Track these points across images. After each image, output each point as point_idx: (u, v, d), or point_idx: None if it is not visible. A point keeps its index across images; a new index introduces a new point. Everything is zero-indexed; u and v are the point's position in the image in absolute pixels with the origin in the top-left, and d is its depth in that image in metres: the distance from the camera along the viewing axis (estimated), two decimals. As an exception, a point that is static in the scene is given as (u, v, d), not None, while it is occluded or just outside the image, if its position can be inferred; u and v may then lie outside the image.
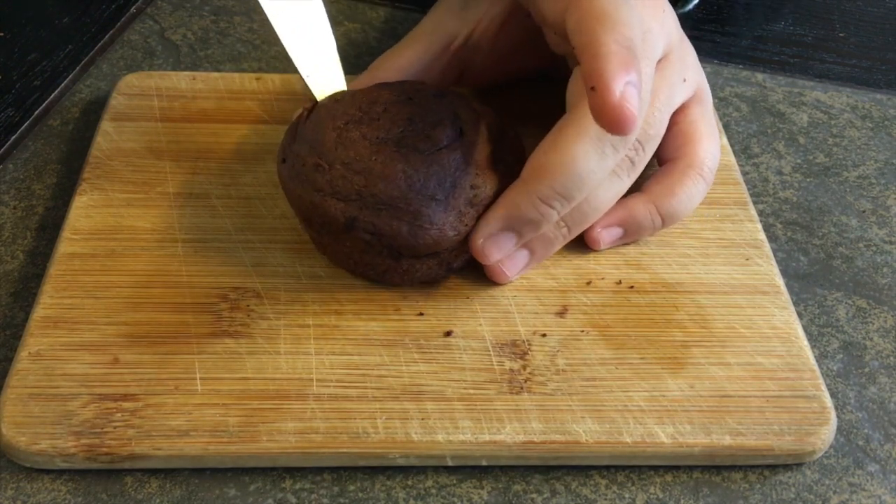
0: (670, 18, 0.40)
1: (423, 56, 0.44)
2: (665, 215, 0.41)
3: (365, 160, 0.37)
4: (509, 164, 0.39)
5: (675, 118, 0.41)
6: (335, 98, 0.40)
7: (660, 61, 0.40)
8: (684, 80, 0.40)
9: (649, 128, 0.39)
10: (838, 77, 0.57)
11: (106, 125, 0.47)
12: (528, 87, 0.49)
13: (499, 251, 0.38)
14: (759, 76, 0.56)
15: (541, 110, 0.42)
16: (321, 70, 0.43)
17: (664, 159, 0.42)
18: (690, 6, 0.55)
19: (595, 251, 0.42)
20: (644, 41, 0.37)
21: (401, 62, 0.44)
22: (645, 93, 0.36)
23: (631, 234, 0.41)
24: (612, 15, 0.35)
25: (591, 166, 0.36)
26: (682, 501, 0.36)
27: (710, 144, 0.41)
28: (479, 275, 0.41)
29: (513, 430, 0.35)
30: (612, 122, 0.33)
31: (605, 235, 0.41)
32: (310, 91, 0.42)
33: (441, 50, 0.44)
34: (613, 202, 0.39)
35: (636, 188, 0.41)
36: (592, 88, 0.33)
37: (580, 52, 0.35)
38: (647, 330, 0.39)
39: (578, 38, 0.35)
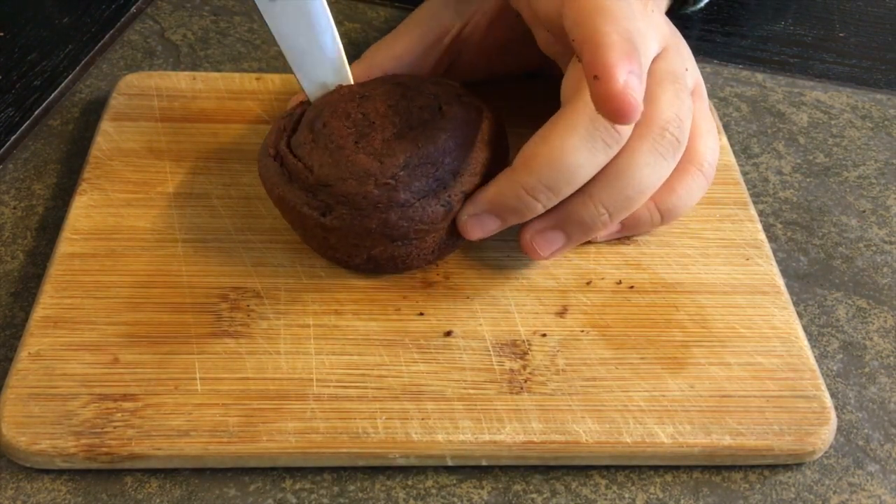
0: (658, 16, 0.41)
1: (417, 46, 0.44)
2: (664, 211, 0.41)
3: (415, 154, 0.38)
4: (480, 108, 0.41)
5: None
6: (311, 139, 0.39)
7: (661, 53, 0.40)
8: (686, 69, 0.40)
9: (682, 104, 0.39)
10: (838, 77, 0.57)
11: (106, 125, 0.47)
12: (522, 87, 0.49)
13: (481, 231, 0.39)
14: (759, 76, 0.56)
15: (536, 110, 0.42)
16: (321, 69, 0.43)
17: None
18: (702, 4, 0.54)
19: (595, 251, 0.42)
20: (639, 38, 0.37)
21: (396, 51, 0.44)
22: (643, 86, 0.37)
23: (628, 230, 0.41)
24: (610, 8, 0.35)
25: (580, 161, 0.36)
26: (682, 501, 0.36)
27: (708, 139, 0.41)
28: (479, 275, 0.41)
29: (513, 430, 0.35)
30: (615, 110, 0.33)
31: (604, 235, 0.41)
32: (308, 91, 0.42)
33: (435, 41, 0.45)
34: (658, 186, 0.39)
35: None
36: (595, 77, 0.33)
37: (581, 45, 0.35)
38: (647, 330, 0.39)
39: (579, 31, 0.35)
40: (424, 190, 0.37)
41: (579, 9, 0.35)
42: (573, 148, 0.36)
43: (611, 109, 0.33)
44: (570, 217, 0.38)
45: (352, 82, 0.43)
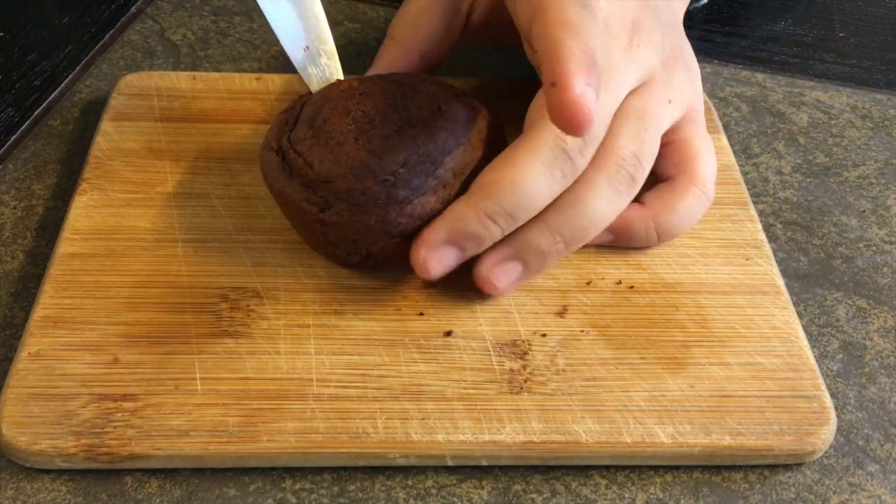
0: (643, 50, 0.40)
1: (437, 6, 0.45)
2: (662, 231, 0.41)
3: (414, 152, 0.38)
4: (478, 107, 0.41)
5: (670, 136, 0.41)
6: (311, 135, 0.39)
7: (640, 87, 0.40)
8: (669, 101, 0.40)
9: (643, 144, 0.39)
10: (838, 77, 0.57)
11: (106, 125, 0.47)
12: (522, 87, 0.49)
13: (440, 266, 0.37)
14: (759, 76, 0.56)
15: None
16: (318, 63, 0.43)
17: (664, 176, 0.42)
18: (703, 0, 0.54)
19: (595, 251, 0.42)
20: (608, 71, 0.38)
21: (413, 10, 0.45)
22: (602, 110, 0.37)
23: (620, 242, 0.41)
24: (577, 24, 0.35)
25: (539, 187, 0.36)
26: (682, 501, 0.36)
27: (708, 159, 0.42)
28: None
29: (513, 430, 0.35)
30: (569, 119, 0.33)
31: (596, 239, 0.41)
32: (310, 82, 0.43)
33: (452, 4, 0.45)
34: (612, 218, 0.39)
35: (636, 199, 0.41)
36: (552, 85, 0.33)
37: (543, 56, 0.35)
38: (647, 330, 0.39)
39: (542, 43, 0.35)
40: (424, 187, 0.38)
41: (546, 22, 0.36)
42: (534, 174, 0.36)
43: (565, 118, 0.33)
44: (527, 245, 0.38)
45: (339, 66, 0.43)
